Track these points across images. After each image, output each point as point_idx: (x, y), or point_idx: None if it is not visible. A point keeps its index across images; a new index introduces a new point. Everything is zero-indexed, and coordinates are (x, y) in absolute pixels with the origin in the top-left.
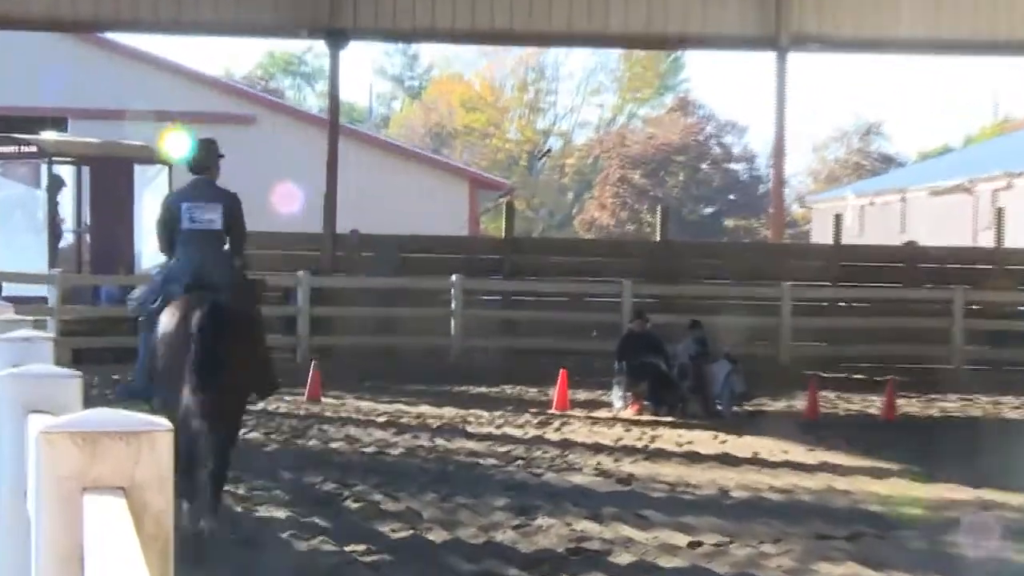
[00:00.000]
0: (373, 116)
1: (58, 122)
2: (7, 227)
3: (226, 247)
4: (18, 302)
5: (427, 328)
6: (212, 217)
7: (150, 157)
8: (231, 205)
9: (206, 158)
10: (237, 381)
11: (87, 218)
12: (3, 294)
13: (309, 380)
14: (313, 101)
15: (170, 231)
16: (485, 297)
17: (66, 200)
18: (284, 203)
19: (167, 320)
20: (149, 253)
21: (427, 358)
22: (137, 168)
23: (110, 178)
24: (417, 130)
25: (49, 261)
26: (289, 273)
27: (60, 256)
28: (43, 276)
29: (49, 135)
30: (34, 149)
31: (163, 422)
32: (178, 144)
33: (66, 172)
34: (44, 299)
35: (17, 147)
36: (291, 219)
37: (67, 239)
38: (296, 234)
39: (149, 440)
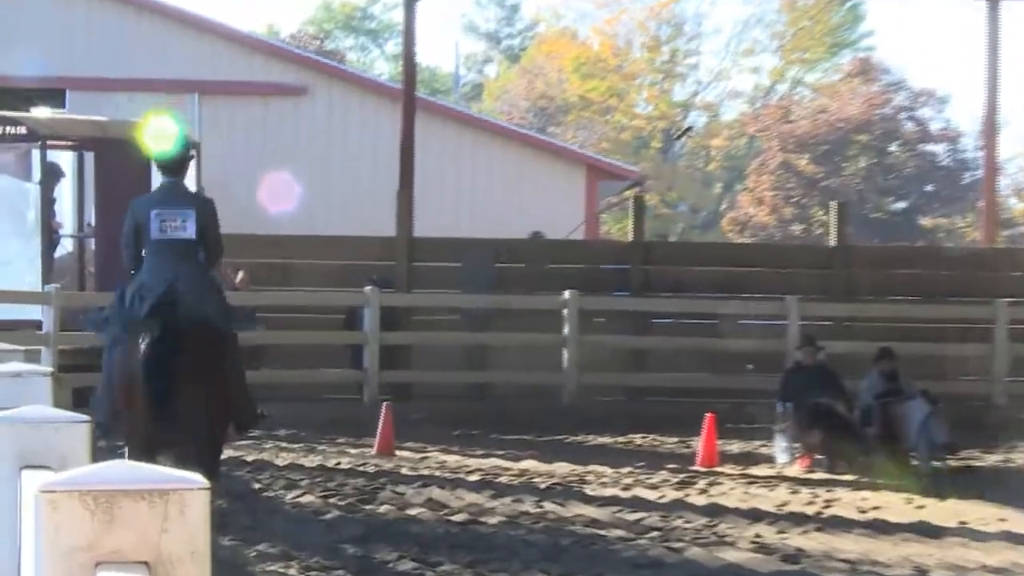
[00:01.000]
0: (460, 85)
1: (54, 95)
2: None
3: (199, 259)
4: (4, 328)
5: (532, 360)
6: (184, 225)
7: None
8: (204, 211)
9: (183, 157)
10: (209, 406)
11: (91, 218)
12: None
13: (380, 428)
14: (382, 66)
15: (136, 239)
16: (607, 320)
17: (64, 196)
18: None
19: (129, 345)
20: None
21: (532, 399)
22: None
23: (121, 167)
24: (518, 103)
25: (43, 275)
26: (353, 290)
27: (57, 268)
28: (35, 295)
29: (42, 112)
30: (23, 130)
31: (196, 478)
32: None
33: (64, 160)
34: (37, 323)
35: (1, 127)
36: (352, 219)
37: (65, 246)
38: (361, 239)
39: (179, 501)
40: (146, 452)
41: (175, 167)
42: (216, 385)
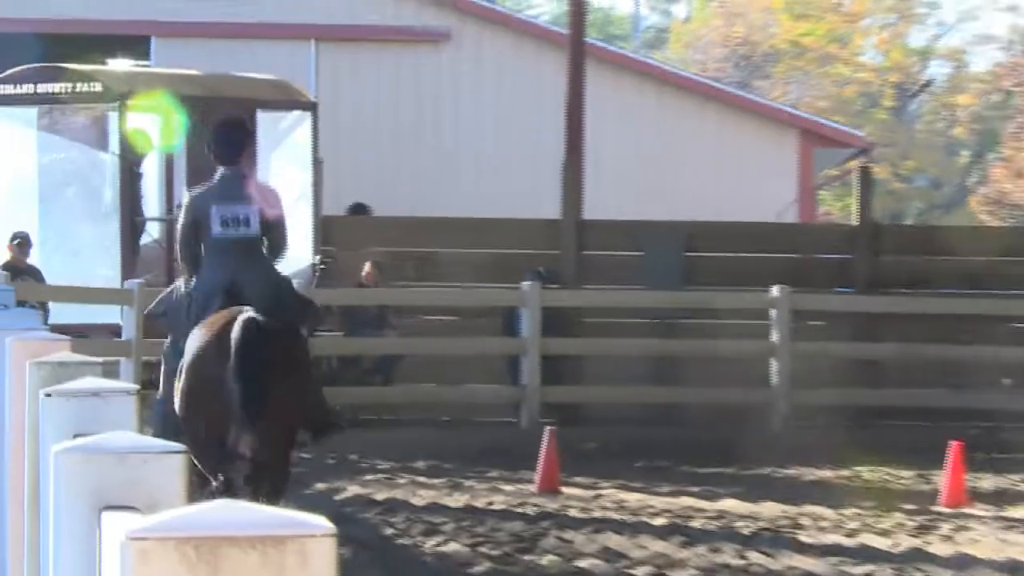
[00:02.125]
0: (640, 31)
1: (136, 44)
2: (54, 212)
3: (265, 256)
4: (77, 333)
5: (732, 374)
6: (248, 220)
7: (283, 98)
8: (268, 203)
9: (237, 143)
10: (287, 416)
11: (182, 198)
12: (51, 320)
13: (541, 458)
14: (543, 6)
15: (195, 240)
16: (826, 323)
17: (149, 171)
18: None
19: (196, 341)
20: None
21: (732, 422)
22: (263, 117)
23: (220, 133)
24: (712, 52)
25: (123, 268)
26: (508, 286)
27: (141, 259)
28: (112, 293)
29: (121, 64)
30: (96, 87)
31: (318, 521)
32: (157, 126)
33: (151, 122)
34: (116, 328)
35: (71, 84)
36: (506, 195)
37: (151, 232)
38: (518, 221)
39: (298, 550)
40: (212, 470)
41: (233, 155)
42: (289, 390)
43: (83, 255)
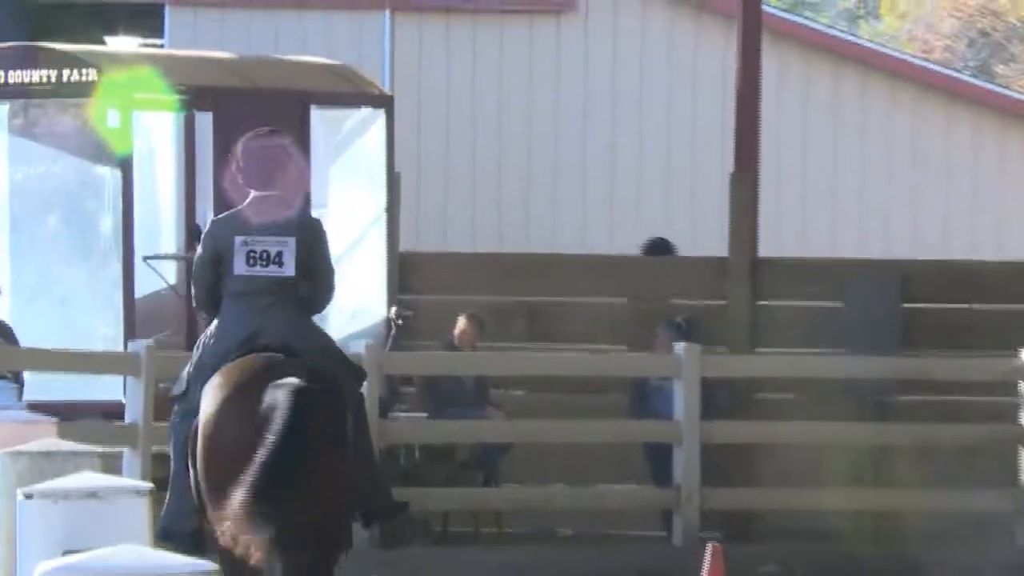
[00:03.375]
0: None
1: (145, 15)
2: (30, 247)
3: (301, 305)
4: (65, 413)
5: (971, 471)
6: (281, 257)
7: (347, 90)
8: (309, 237)
9: (271, 163)
10: (327, 496)
11: (206, 221)
12: (28, 396)
13: None
14: None
15: (214, 279)
16: None
17: (163, 192)
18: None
19: (210, 403)
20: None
21: (968, 536)
22: (320, 116)
23: (259, 136)
24: (940, 28)
25: (125, 325)
26: (655, 353)
27: (150, 311)
28: (114, 358)
29: (124, 44)
30: (91, 76)
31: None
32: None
33: (162, 125)
34: (117, 407)
35: (55, 71)
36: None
37: (162, 273)
38: (666, 260)
39: None
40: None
41: (265, 178)
42: (336, 466)
43: (71, 306)
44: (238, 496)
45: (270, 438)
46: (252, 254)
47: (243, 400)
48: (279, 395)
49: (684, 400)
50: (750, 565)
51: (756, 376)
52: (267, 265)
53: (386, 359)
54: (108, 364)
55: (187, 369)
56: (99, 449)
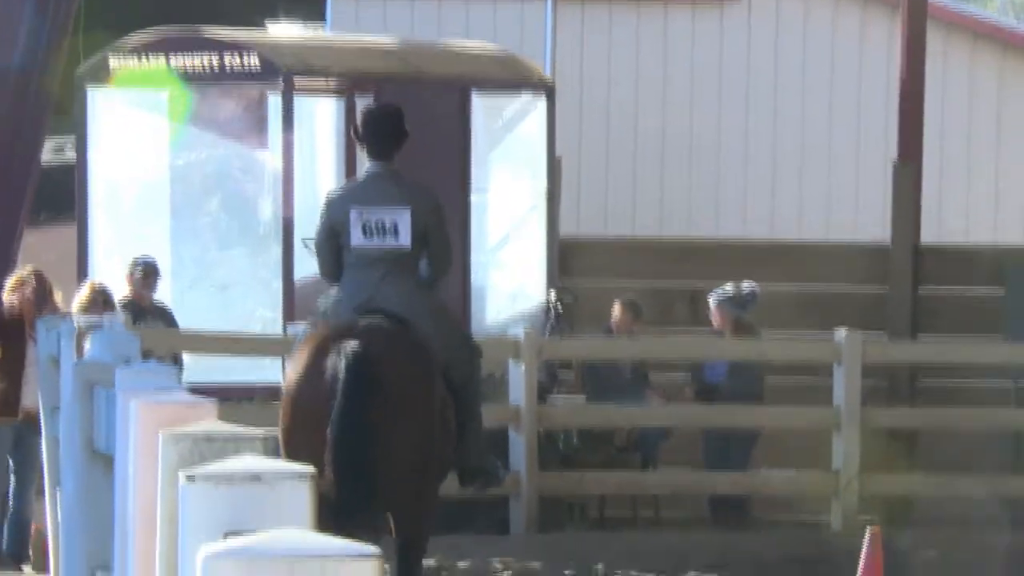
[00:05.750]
0: None
1: (307, 2)
2: (190, 232)
3: (418, 276)
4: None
5: None
6: (396, 228)
7: (509, 77)
8: (425, 209)
9: (392, 134)
10: (415, 464)
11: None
12: (188, 378)
13: (861, 572)
14: None
15: (335, 246)
16: None
17: (324, 177)
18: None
19: (292, 364)
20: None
21: None
22: (481, 103)
23: (422, 122)
24: None
25: (284, 308)
26: (814, 337)
27: (305, 292)
28: (274, 342)
29: (286, 30)
30: (254, 62)
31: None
32: (336, 116)
33: (324, 111)
34: (277, 389)
35: (216, 56)
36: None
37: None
38: (825, 247)
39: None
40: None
41: (386, 148)
42: (424, 434)
43: (231, 290)
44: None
45: (333, 415)
46: (368, 225)
47: (313, 366)
48: (339, 362)
49: (844, 386)
50: (909, 551)
51: (919, 362)
52: (383, 236)
53: (544, 344)
54: (269, 347)
55: (302, 338)
56: (260, 432)
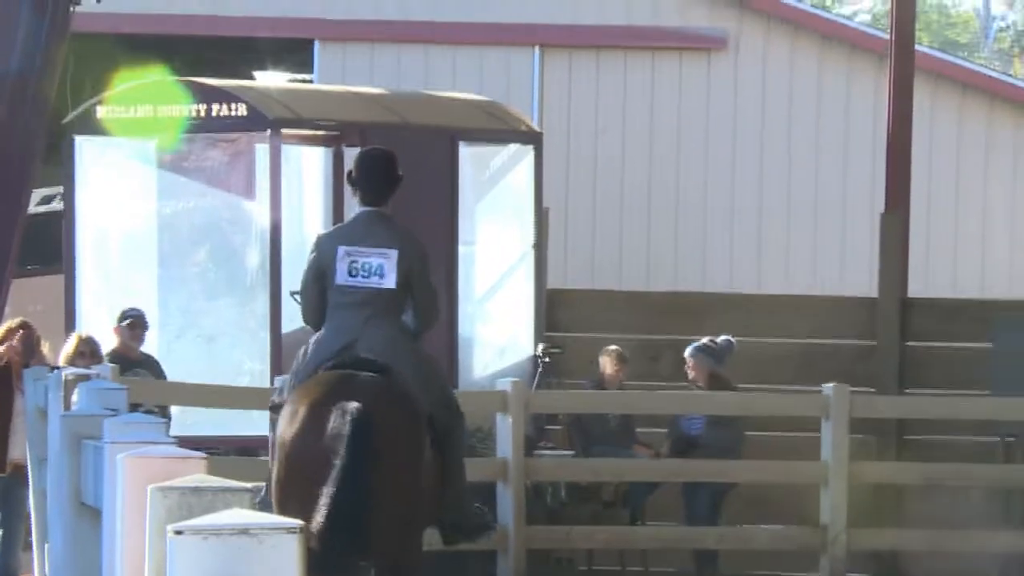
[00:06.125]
0: (993, 33)
1: (295, 49)
2: (178, 282)
3: (401, 320)
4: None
5: None
6: (382, 269)
7: (497, 127)
8: (411, 254)
9: (383, 179)
10: (398, 515)
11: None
12: (174, 431)
13: None
14: (859, 1)
15: (321, 289)
16: None
17: (312, 219)
18: None
19: (287, 418)
20: (497, 336)
21: None
22: (468, 152)
23: (410, 172)
24: None
25: (272, 360)
26: (800, 389)
27: (293, 344)
28: (262, 393)
29: (273, 79)
30: (241, 111)
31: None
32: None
33: (312, 161)
34: (263, 442)
35: (204, 106)
36: (801, 258)
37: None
38: (813, 299)
39: None
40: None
41: (378, 193)
42: (408, 484)
43: (218, 341)
44: (312, 522)
45: (335, 474)
46: (354, 265)
47: (312, 423)
48: (343, 423)
49: (832, 441)
50: None
51: (904, 417)
52: (368, 276)
53: (532, 397)
54: (257, 399)
55: (287, 377)
56: (249, 485)
